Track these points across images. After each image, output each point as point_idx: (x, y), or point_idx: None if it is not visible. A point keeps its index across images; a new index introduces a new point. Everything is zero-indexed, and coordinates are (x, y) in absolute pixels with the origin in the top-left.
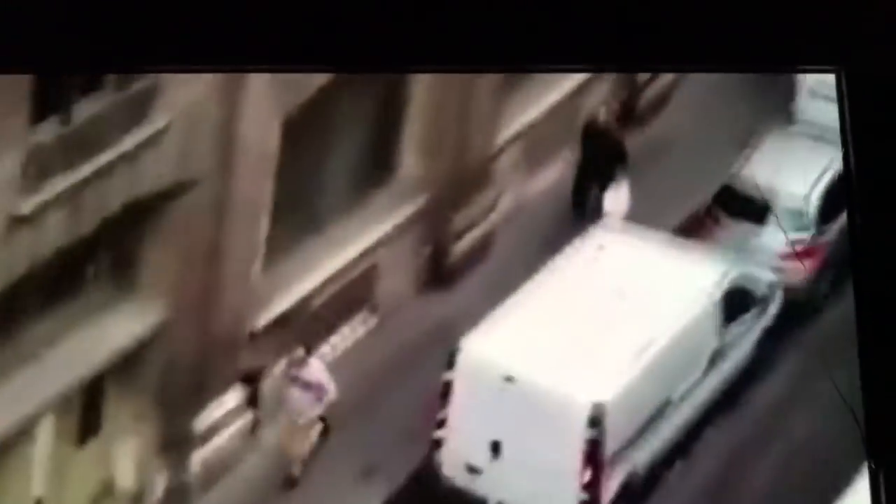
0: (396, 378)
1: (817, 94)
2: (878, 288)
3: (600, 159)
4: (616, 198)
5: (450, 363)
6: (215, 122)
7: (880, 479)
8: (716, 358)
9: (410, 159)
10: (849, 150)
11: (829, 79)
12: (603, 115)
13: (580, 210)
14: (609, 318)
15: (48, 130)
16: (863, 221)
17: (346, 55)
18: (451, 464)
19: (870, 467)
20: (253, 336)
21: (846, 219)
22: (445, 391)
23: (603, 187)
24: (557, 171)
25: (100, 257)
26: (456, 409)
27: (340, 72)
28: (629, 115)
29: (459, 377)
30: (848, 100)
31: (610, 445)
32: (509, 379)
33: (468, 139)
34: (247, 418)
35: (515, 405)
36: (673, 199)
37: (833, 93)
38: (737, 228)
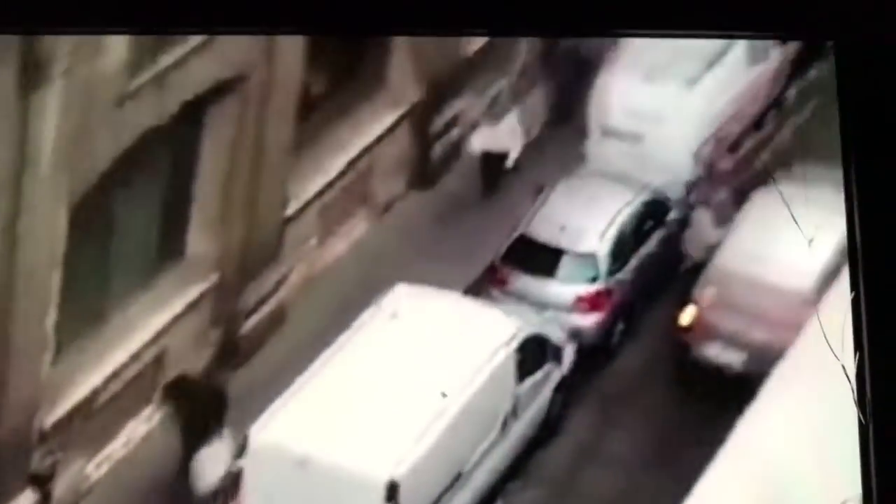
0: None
1: (609, 133)
2: (873, 247)
3: None
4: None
5: (239, 451)
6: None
7: (870, 434)
8: (509, 419)
9: (199, 237)
10: (846, 125)
11: (619, 117)
12: None
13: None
14: (404, 388)
15: None
16: (859, 195)
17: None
18: None
19: (860, 423)
20: (43, 435)
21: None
22: (235, 481)
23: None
24: (349, 239)
25: None
26: (248, 499)
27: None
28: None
29: (249, 465)
30: (841, 73)
31: None
32: (303, 462)
33: (257, 211)
34: None
35: (311, 489)
36: (464, 258)
37: (622, 132)
38: (529, 281)
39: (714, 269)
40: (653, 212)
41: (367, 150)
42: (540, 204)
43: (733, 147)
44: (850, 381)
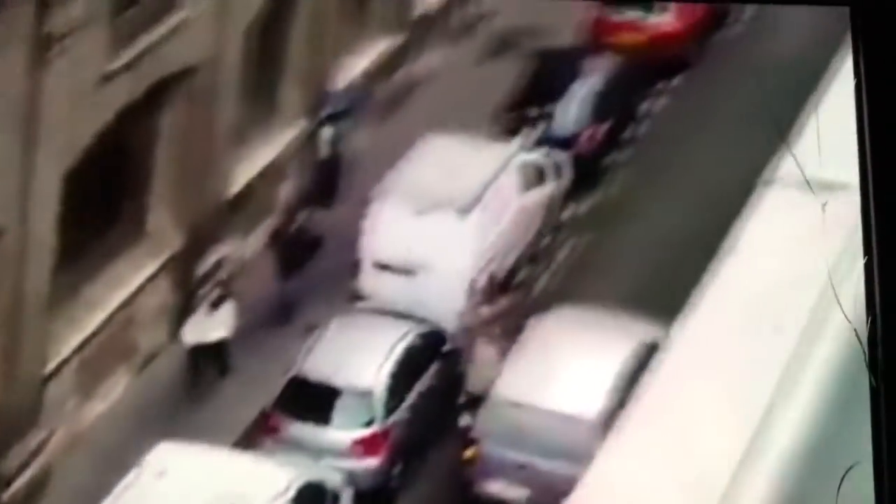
0: None
1: (382, 267)
2: (886, 213)
3: None
4: None
5: None
6: None
7: (881, 396)
8: None
9: None
10: (862, 85)
11: (391, 251)
12: None
13: None
14: None
15: None
16: (873, 159)
17: None
18: None
19: (871, 385)
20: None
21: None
22: None
23: None
24: (111, 396)
25: None
26: None
27: None
28: None
29: None
30: (857, 37)
31: None
32: None
33: (16, 370)
34: None
35: None
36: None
37: (395, 266)
38: (303, 427)
39: (495, 399)
40: (428, 345)
41: (127, 302)
42: (313, 343)
43: (509, 275)
44: (862, 346)
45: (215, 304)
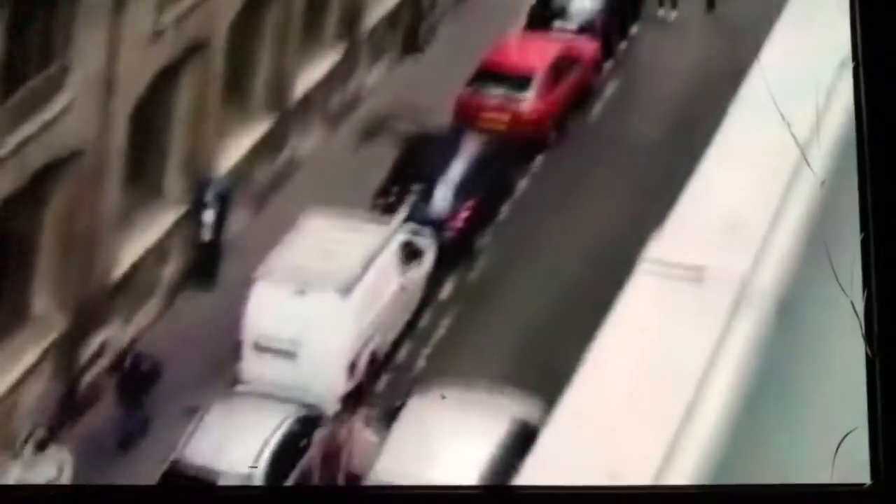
0: None
1: (262, 349)
2: (884, 174)
3: None
4: None
5: None
6: None
7: (876, 367)
8: None
9: None
10: (859, 68)
11: (272, 332)
12: None
13: None
14: None
15: None
16: (870, 142)
17: None
18: None
19: (867, 356)
20: None
21: None
22: None
23: None
24: None
25: None
26: None
27: None
28: None
29: None
30: (860, 17)
31: None
32: None
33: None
34: None
35: None
36: None
37: (275, 347)
38: None
39: (374, 480)
40: (307, 429)
41: (10, 390)
42: (194, 427)
43: (389, 355)
44: (858, 318)
45: (41, 446)
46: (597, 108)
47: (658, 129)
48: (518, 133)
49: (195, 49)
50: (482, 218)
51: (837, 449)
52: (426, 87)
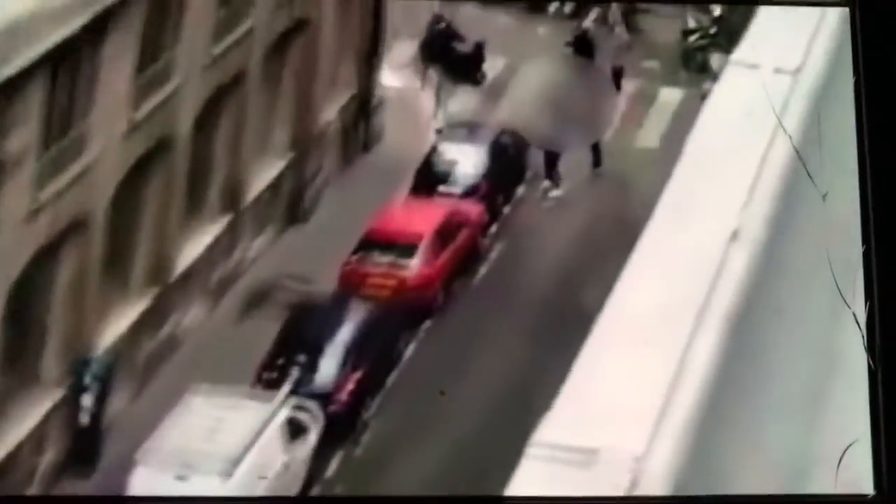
0: None
1: None
2: (886, 188)
3: None
4: None
5: None
6: None
7: (878, 378)
8: None
9: None
10: (860, 83)
11: None
12: None
13: None
14: None
15: None
16: (871, 152)
17: None
18: None
19: (869, 367)
20: None
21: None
22: None
23: None
24: None
25: None
26: None
27: None
28: None
29: None
30: (861, 34)
31: None
32: None
33: None
34: None
35: None
36: None
37: None
38: None
39: None
40: None
41: None
42: None
43: None
44: (860, 329)
45: None
46: (483, 271)
47: (546, 291)
48: (405, 299)
49: (74, 226)
50: (369, 389)
51: (840, 460)
52: (311, 256)
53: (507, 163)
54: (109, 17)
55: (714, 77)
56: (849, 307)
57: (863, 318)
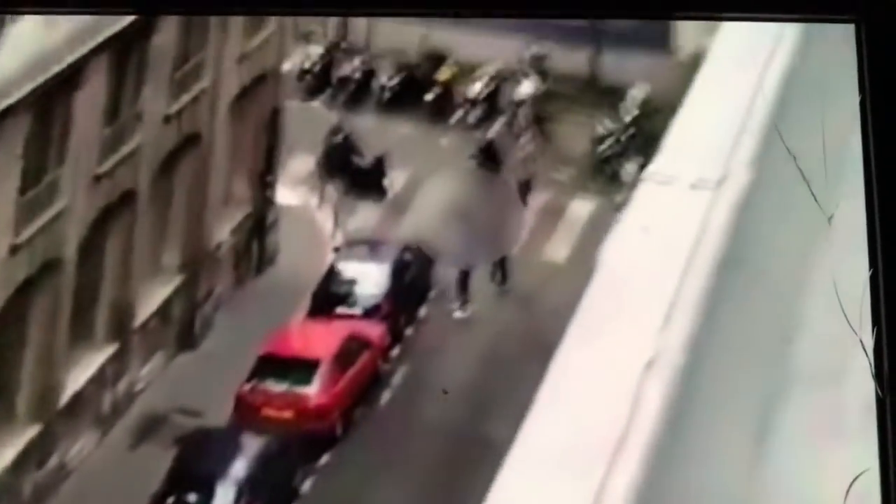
0: None
1: None
2: (892, 225)
3: None
4: None
5: None
6: None
7: (887, 407)
8: None
9: None
10: (866, 102)
11: None
12: None
13: None
14: None
15: None
16: (878, 173)
17: None
18: None
19: (878, 395)
20: None
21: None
22: None
23: None
24: None
25: None
26: None
27: None
28: None
29: None
30: (866, 51)
31: None
32: None
33: None
34: None
35: None
36: None
37: None
38: None
39: None
40: None
41: None
42: None
43: None
44: (867, 356)
45: None
46: (385, 396)
47: (452, 419)
48: (301, 430)
49: None
50: None
51: (848, 490)
52: (203, 383)
53: (410, 281)
54: None
55: (627, 187)
56: (856, 333)
57: (870, 345)
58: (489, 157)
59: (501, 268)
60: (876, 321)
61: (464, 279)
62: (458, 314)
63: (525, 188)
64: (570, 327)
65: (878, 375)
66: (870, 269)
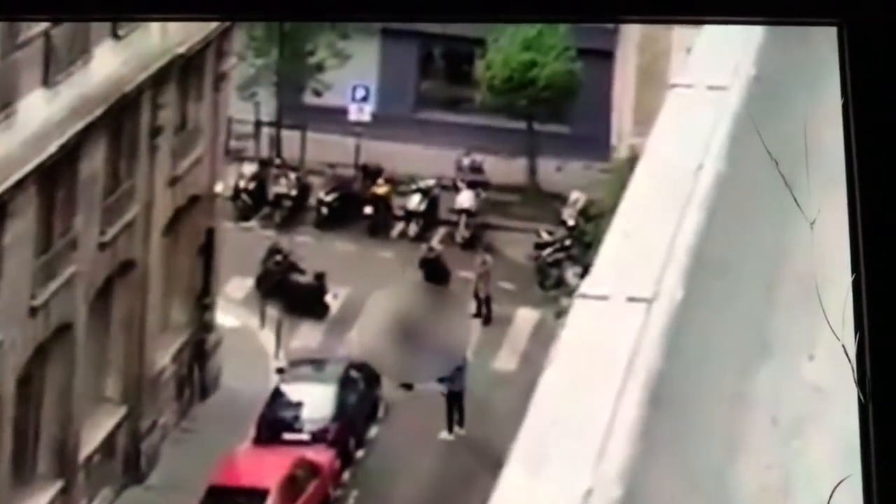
0: None
1: None
2: (875, 214)
3: None
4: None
5: None
6: None
7: (869, 412)
8: None
9: None
10: (849, 105)
11: None
12: None
13: None
14: None
15: None
16: (860, 177)
17: None
18: None
19: (860, 402)
20: None
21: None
22: None
23: None
24: None
25: None
26: None
27: None
28: None
29: None
30: (849, 53)
31: None
32: None
33: None
34: None
35: None
36: None
37: None
38: None
39: None
40: None
41: None
42: None
43: None
44: (850, 362)
45: None
46: None
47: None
48: None
49: None
50: None
51: (831, 497)
52: None
53: (358, 400)
54: None
55: (571, 293)
56: (838, 339)
57: (852, 351)
58: (435, 270)
59: (459, 409)
60: (859, 327)
61: (456, 399)
62: (443, 435)
63: (487, 302)
64: (510, 457)
65: (861, 381)
66: (852, 274)
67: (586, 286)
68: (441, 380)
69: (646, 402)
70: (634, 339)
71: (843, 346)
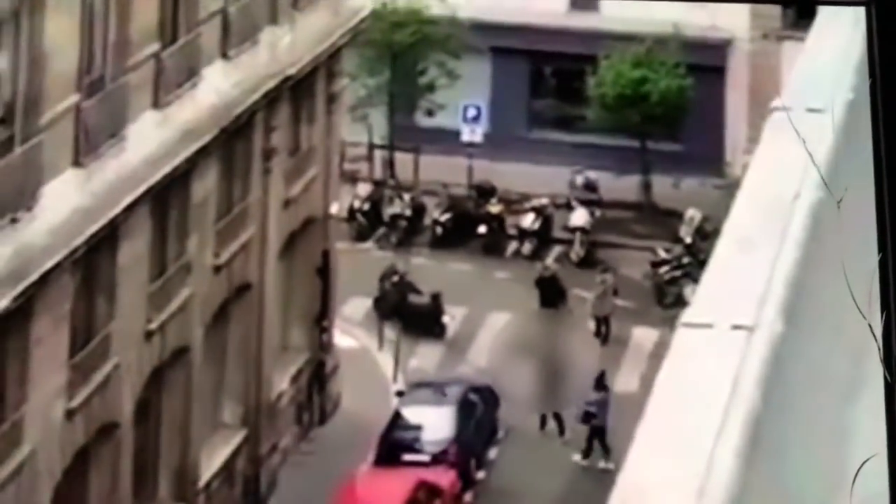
0: None
1: None
2: None
3: None
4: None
5: None
6: None
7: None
8: None
9: None
10: (877, 85)
11: None
12: None
13: None
14: None
15: None
16: (888, 155)
17: None
18: None
19: (886, 381)
20: None
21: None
22: None
23: None
24: None
25: None
26: None
27: None
28: None
29: None
30: (878, 34)
31: None
32: None
33: None
34: None
35: None
36: None
37: None
38: None
39: None
40: None
41: None
42: None
43: None
44: (876, 341)
45: None
46: None
47: None
48: None
49: None
50: None
51: (855, 476)
52: None
53: (478, 423)
54: (35, 298)
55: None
56: (864, 318)
57: (879, 330)
58: (551, 289)
59: (601, 443)
60: (885, 306)
61: (598, 434)
62: (576, 458)
63: (605, 322)
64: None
65: (887, 360)
66: (879, 254)
67: (689, 314)
68: (587, 414)
69: (747, 438)
70: (737, 365)
71: (870, 326)
